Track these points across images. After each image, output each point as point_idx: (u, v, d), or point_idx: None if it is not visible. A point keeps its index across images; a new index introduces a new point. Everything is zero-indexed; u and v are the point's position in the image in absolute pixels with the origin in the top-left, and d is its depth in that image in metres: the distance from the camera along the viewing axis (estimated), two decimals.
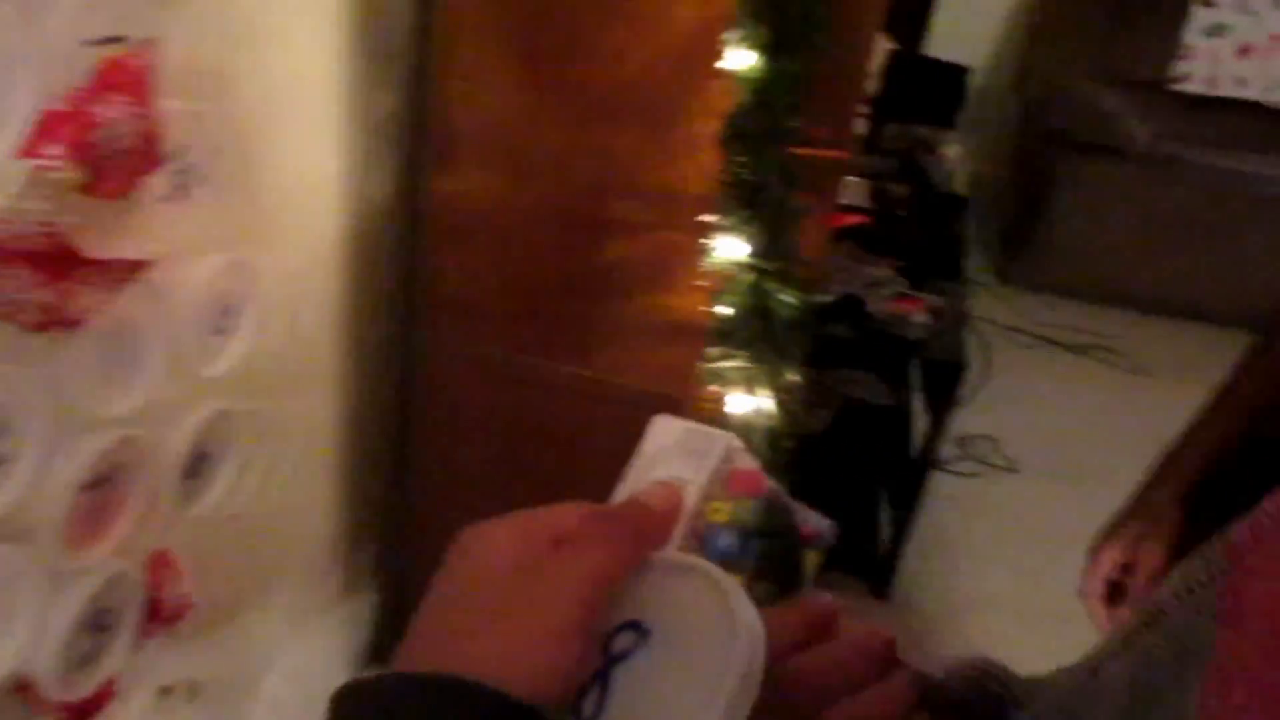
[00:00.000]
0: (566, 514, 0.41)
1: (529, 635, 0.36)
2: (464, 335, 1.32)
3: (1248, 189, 3.40)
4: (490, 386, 1.35)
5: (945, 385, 2.36)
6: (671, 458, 0.48)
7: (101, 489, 0.88)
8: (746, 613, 0.38)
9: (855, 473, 2.55)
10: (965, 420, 3.02)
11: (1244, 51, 3.52)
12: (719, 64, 0.99)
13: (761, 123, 0.94)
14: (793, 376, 1.07)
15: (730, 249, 1.03)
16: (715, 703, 0.35)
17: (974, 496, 2.95)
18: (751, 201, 0.99)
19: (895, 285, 2.49)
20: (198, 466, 1.02)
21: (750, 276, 1.03)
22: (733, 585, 0.39)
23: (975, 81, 3.42)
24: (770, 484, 0.49)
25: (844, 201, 2.65)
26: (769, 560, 0.48)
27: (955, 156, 3.03)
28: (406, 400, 1.43)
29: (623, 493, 0.46)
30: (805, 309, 1.05)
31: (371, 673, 0.36)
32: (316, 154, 1.21)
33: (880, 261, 2.58)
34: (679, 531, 0.44)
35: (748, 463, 0.49)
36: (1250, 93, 3.54)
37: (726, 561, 0.46)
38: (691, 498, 0.45)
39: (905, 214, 2.72)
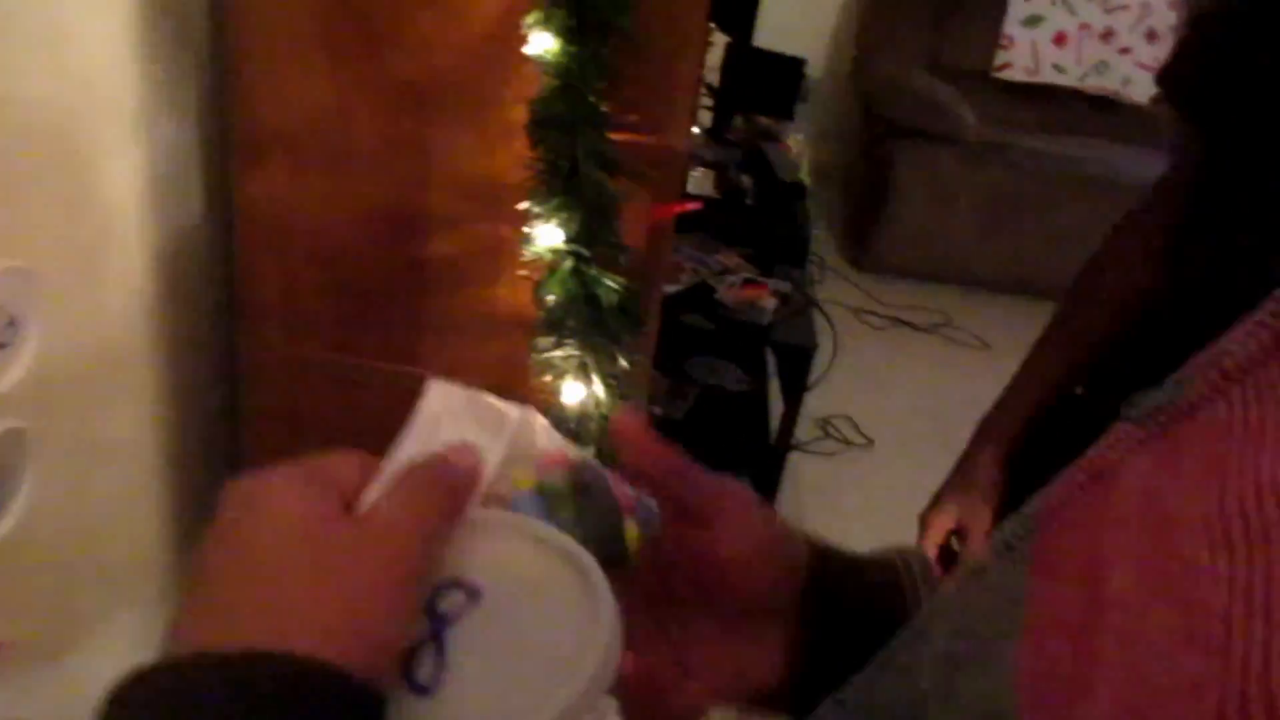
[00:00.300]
0: (348, 464, 0.37)
1: (345, 599, 0.31)
2: (288, 339, 1.27)
3: (1066, 169, 3.59)
4: (320, 390, 1.30)
5: (797, 369, 2.41)
6: (460, 424, 0.45)
7: None
8: (601, 584, 0.35)
9: (715, 460, 2.58)
10: (822, 401, 3.10)
11: (1059, 40, 3.73)
12: (523, 50, 0.97)
13: (569, 108, 0.93)
14: (625, 362, 1.06)
15: (549, 236, 1.02)
16: (577, 677, 0.33)
17: (834, 475, 3.02)
18: (565, 188, 0.97)
19: (743, 272, 2.53)
20: None
21: (570, 263, 1.01)
22: (584, 553, 0.37)
23: (813, 73, 3.52)
24: (579, 455, 0.47)
25: (691, 191, 2.68)
26: (584, 528, 0.45)
27: (798, 146, 3.10)
28: (234, 409, 1.36)
29: (403, 454, 0.41)
30: (631, 293, 1.04)
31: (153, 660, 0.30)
32: (115, 155, 1.14)
33: (728, 250, 2.62)
34: (477, 496, 0.41)
35: (555, 441, 0.47)
36: (1067, 80, 3.75)
37: None
38: (490, 465, 0.42)
39: (751, 203, 2.77)
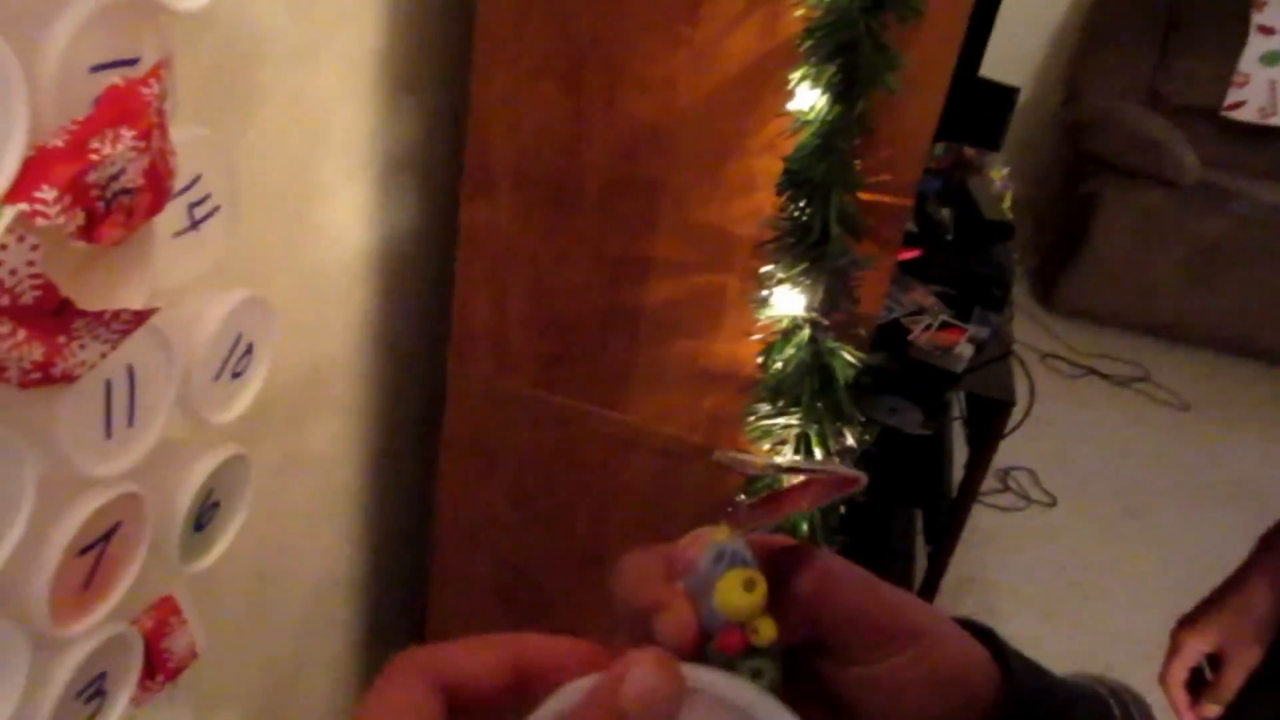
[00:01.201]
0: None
1: None
2: (494, 370, 1.24)
3: None
4: (518, 425, 1.27)
5: (990, 421, 2.27)
6: None
7: (99, 549, 0.81)
8: None
9: (890, 502, 2.46)
10: (1003, 452, 2.93)
11: None
12: (783, 103, 0.91)
13: (827, 168, 0.86)
14: (852, 440, 0.98)
15: (788, 301, 0.95)
16: None
17: (1010, 530, 2.85)
18: (812, 251, 0.90)
19: (938, 313, 2.40)
20: (208, 514, 0.95)
21: (807, 331, 0.94)
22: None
23: (1021, 102, 3.33)
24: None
25: None
26: None
27: (1001, 180, 2.93)
28: (431, 437, 1.35)
29: None
30: (866, 370, 0.96)
31: None
32: (341, 181, 1.14)
33: (923, 288, 2.49)
34: None
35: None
36: None
37: None
38: None
39: (950, 239, 2.62)
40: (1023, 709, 0.42)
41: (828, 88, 0.85)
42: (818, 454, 0.99)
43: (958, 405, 2.73)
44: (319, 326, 1.18)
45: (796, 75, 0.87)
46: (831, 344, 0.94)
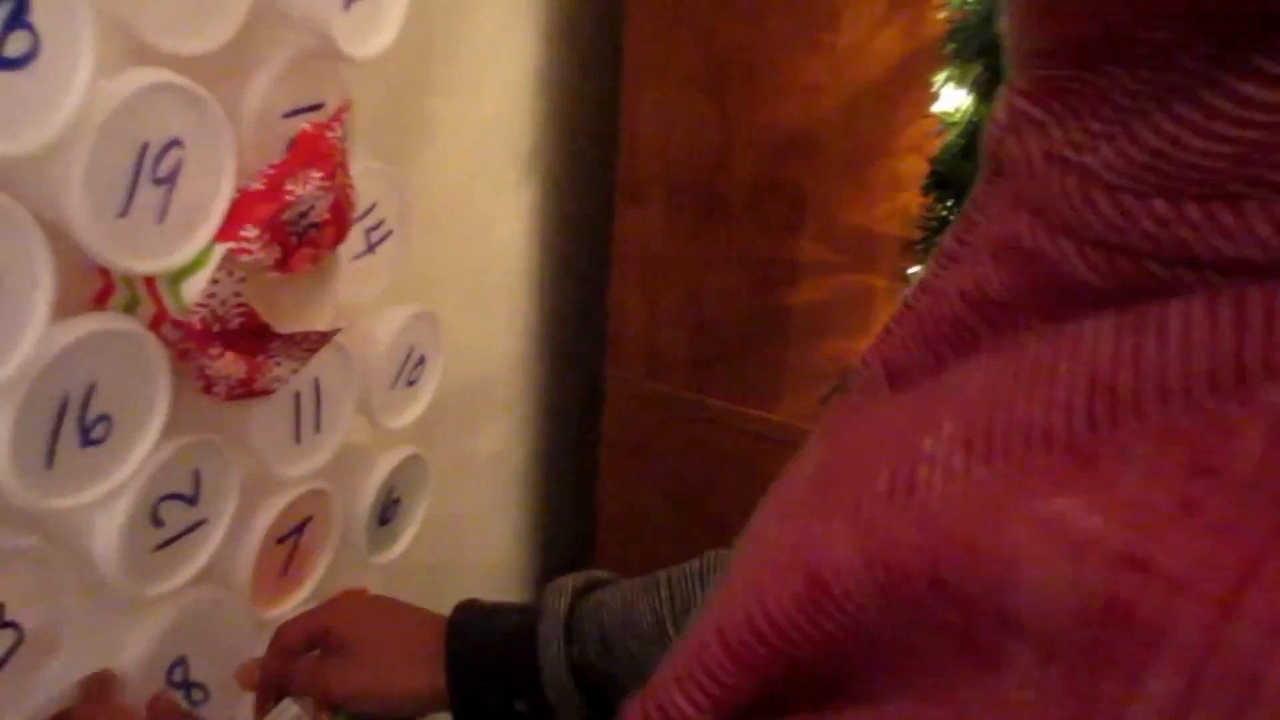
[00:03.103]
0: None
1: None
2: (648, 373, 1.29)
3: None
4: (673, 425, 1.31)
5: None
6: None
7: (293, 540, 0.90)
8: None
9: None
10: None
11: None
12: (927, 104, 0.91)
13: (970, 167, 0.85)
14: None
15: None
16: None
17: None
18: None
19: None
20: (390, 511, 1.04)
21: None
22: None
23: None
24: None
25: None
26: None
27: None
28: (591, 439, 1.41)
29: None
30: None
31: None
32: (503, 199, 1.21)
33: None
34: None
35: None
36: None
37: None
38: None
39: None
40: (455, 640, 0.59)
41: (973, 88, 0.85)
42: None
43: None
44: (486, 336, 1.26)
45: (941, 77, 0.88)
46: None
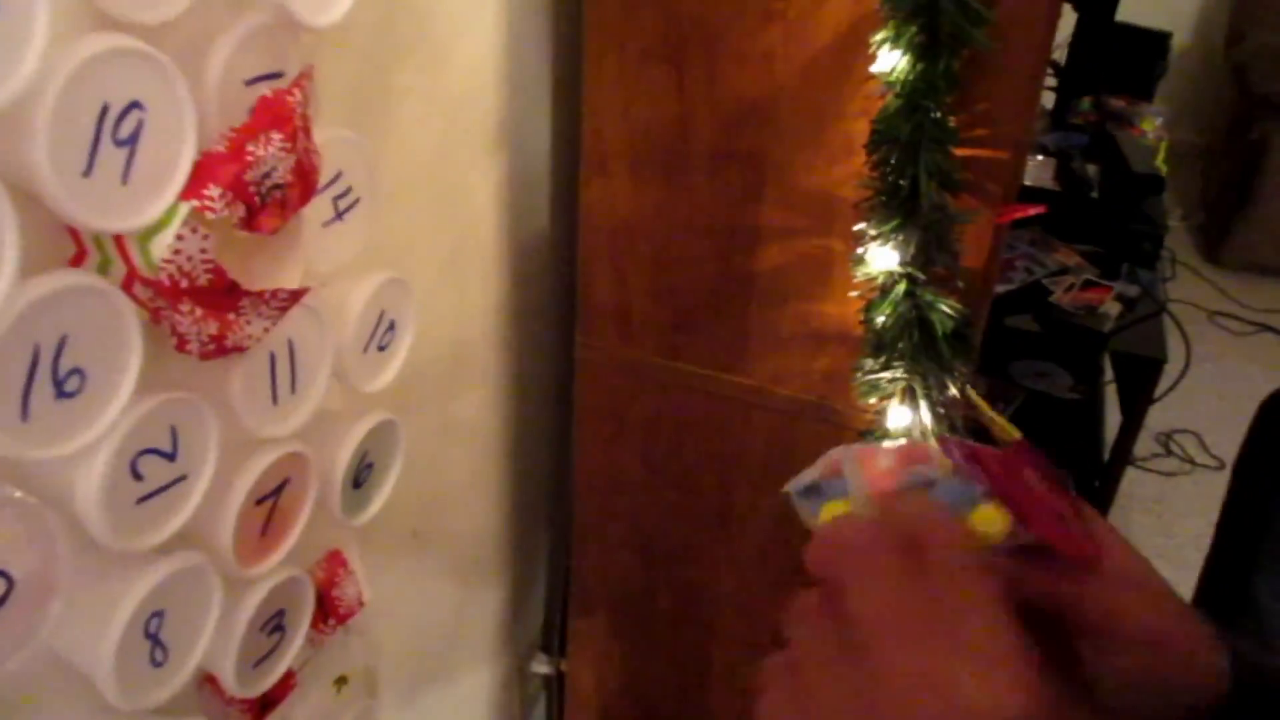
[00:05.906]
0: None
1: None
2: (619, 341, 1.33)
3: None
4: (646, 390, 1.35)
5: (1140, 381, 2.21)
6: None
7: (272, 502, 0.93)
8: None
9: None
10: (1167, 414, 2.81)
11: None
12: (871, 66, 0.95)
13: (912, 127, 0.89)
14: (954, 390, 1.01)
15: (882, 258, 0.99)
16: None
17: (1172, 495, 2.74)
18: (904, 209, 0.94)
19: (1084, 273, 2.34)
20: (365, 475, 1.07)
21: (904, 286, 0.98)
22: None
23: (1176, 45, 3.16)
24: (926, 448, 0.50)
25: (1028, 183, 2.50)
26: None
27: (1154, 131, 2.81)
28: (565, 405, 1.45)
29: None
30: (966, 320, 0.99)
31: None
32: (472, 171, 1.24)
33: (1067, 248, 2.43)
34: None
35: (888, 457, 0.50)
36: None
37: None
38: None
39: (1096, 196, 2.55)
40: (1249, 698, 0.46)
41: (909, 48, 0.89)
42: (923, 406, 1.03)
43: (1109, 371, 2.65)
44: (461, 305, 1.30)
45: (879, 37, 0.91)
46: (929, 296, 0.98)
